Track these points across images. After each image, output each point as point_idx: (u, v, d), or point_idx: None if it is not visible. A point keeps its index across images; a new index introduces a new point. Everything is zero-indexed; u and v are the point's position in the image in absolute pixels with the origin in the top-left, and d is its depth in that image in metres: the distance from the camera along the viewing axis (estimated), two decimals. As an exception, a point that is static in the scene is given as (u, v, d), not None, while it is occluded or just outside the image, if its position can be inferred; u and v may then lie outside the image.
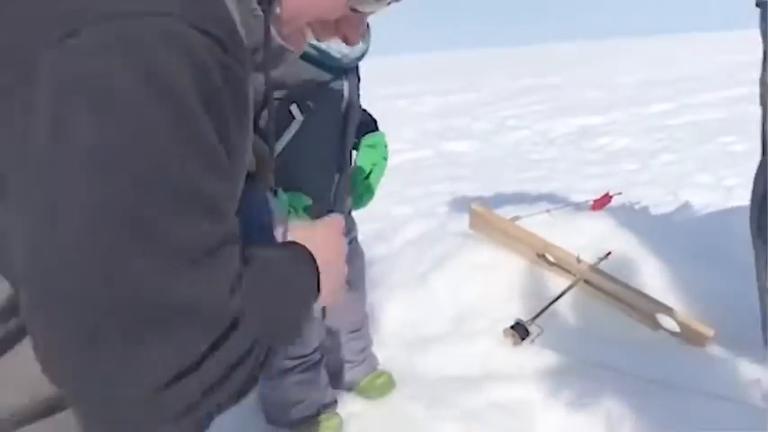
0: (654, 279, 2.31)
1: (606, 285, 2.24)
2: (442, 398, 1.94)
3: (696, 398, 1.83)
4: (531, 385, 1.99)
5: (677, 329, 2.13)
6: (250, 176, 0.85)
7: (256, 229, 0.87)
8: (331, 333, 1.95)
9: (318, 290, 0.83)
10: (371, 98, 2.62)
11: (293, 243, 0.85)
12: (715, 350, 2.05)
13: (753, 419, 1.73)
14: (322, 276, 0.83)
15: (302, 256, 0.83)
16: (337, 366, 1.96)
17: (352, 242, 1.97)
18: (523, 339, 2.16)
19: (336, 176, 1.68)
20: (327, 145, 1.64)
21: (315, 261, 0.83)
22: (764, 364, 1.94)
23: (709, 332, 2.05)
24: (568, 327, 2.22)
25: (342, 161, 1.69)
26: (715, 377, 1.89)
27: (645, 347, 2.12)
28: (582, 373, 2.02)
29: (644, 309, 2.18)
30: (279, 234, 0.89)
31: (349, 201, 1.92)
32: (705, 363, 1.99)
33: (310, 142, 1.56)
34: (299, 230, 0.89)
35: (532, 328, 2.17)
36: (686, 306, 2.18)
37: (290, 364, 1.76)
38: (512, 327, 2.17)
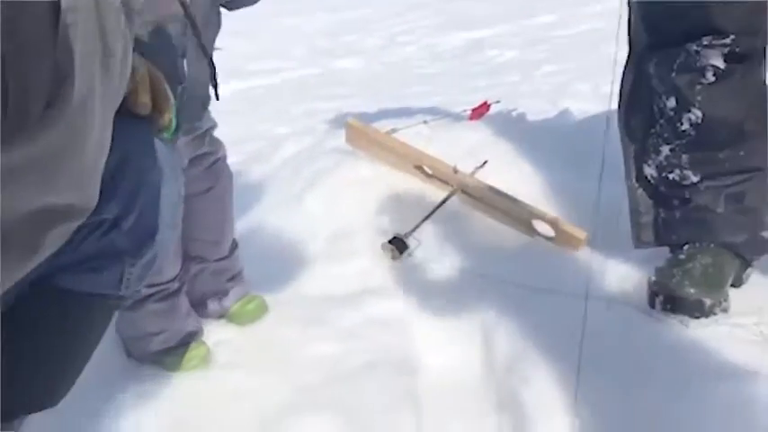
0: (530, 186, 2.29)
1: (483, 194, 2.21)
2: (318, 318, 1.87)
3: (573, 300, 1.83)
4: (410, 299, 1.95)
5: (552, 234, 2.13)
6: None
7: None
8: (194, 260, 1.82)
9: None
10: (261, 16, 2.43)
11: None
12: (588, 254, 2.06)
13: (625, 317, 1.76)
14: None
15: None
16: (203, 294, 1.85)
17: (217, 162, 1.83)
18: (402, 253, 2.11)
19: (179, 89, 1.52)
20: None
21: None
22: (636, 262, 1.96)
23: (582, 235, 2.06)
24: (446, 238, 2.18)
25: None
26: (592, 279, 1.90)
27: (521, 255, 2.11)
28: (459, 283, 2.00)
29: (520, 216, 2.16)
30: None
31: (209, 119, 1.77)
32: (579, 266, 2.00)
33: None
34: None
35: (410, 242, 2.13)
36: (561, 211, 2.17)
37: (144, 292, 1.63)
38: (389, 241, 2.12)
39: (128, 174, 0.99)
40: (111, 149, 0.87)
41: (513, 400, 1.62)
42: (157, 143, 1.05)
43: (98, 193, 0.88)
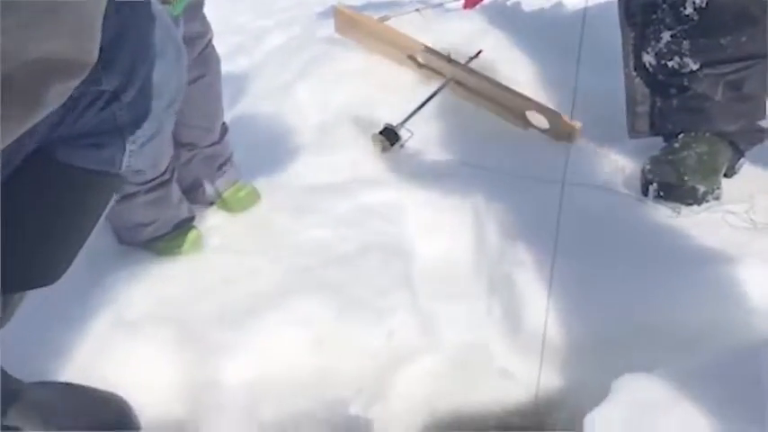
0: (524, 77, 2.25)
1: (477, 84, 2.16)
2: (310, 206, 1.85)
3: (566, 189, 1.83)
4: (402, 188, 1.93)
5: (546, 126, 2.10)
6: None
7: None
8: (186, 147, 1.78)
9: None
10: None
11: None
12: (583, 144, 2.04)
13: (619, 204, 1.76)
14: None
15: None
16: (194, 182, 1.81)
17: (207, 47, 1.77)
18: (393, 144, 2.08)
19: None
20: None
21: None
22: (629, 153, 1.95)
23: (577, 126, 2.03)
24: (439, 129, 2.15)
25: None
26: (583, 168, 1.89)
27: (515, 145, 2.09)
28: (452, 173, 1.98)
29: (514, 106, 2.13)
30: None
31: None
32: (574, 156, 1.98)
33: None
34: None
35: (402, 132, 2.09)
36: (556, 102, 2.14)
37: (135, 188, 1.60)
38: (381, 132, 2.08)
39: (127, 46, 0.95)
40: (108, 17, 0.82)
41: (505, 282, 1.63)
42: (161, 20, 1.00)
43: (97, 49, 0.83)
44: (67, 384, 1.32)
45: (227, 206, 1.84)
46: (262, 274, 1.62)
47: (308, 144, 2.12)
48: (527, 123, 2.14)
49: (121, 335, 1.47)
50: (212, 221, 1.79)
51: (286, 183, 1.96)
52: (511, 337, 1.58)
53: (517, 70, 2.26)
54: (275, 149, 2.08)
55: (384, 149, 2.08)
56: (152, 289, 1.58)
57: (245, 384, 1.41)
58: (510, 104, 2.13)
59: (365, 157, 2.05)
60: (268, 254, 1.68)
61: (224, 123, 1.85)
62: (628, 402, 1.14)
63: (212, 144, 1.81)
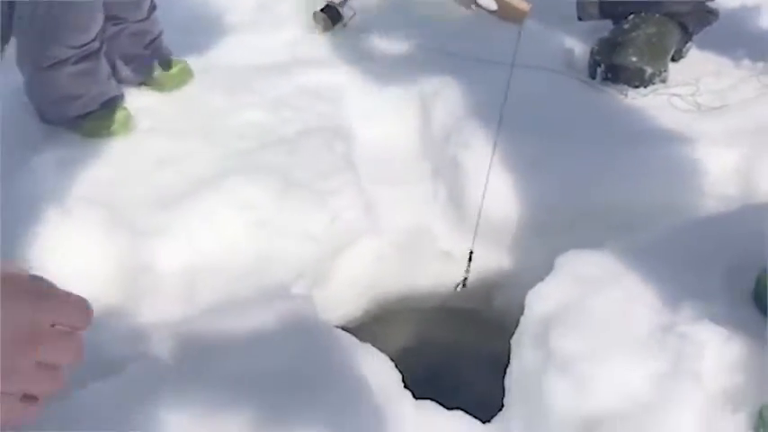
0: (473, -45, 2.14)
1: (423, -39, 2.05)
2: (247, 86, 1.76)
3: (514, 71, 1.78)
4: (344, 69, 1.85)
5: (494, 8, 2.02)
6: None
7: None
8: (111, 21, 1.64)
9: None
10: None
11: None
12: (531, 26, 1.97)
13: (565, 87, 1.73)
14: None
15: None
16: (123, 57, 1.69)
17: None
18: (335, 23, 1.98)
19: None
20: None
21: None
22: (578, 35, 1.91)
23: (526, 7, 1.96)
24: (383, 8, 2.05)
25: None
26: (531, 51, 1.83)
27: (462, 27, 2.01)
28: (396, 53, 1.90)
29: (462, -15, 2.03)
30: None
31: None
32: (524, 37, 1.92)
33: None
34: None
35: (345, 11, 1.99)
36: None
37: (64, 54, 1.48)
38: (322, 9, 1.97)
39: None
40: None
41: (451, 165, 1.60)
42: None
43: None
44: None
45: (158, 85, 1.73)
46: (197, 156, 1.55)
47: (246, 22, 1.99)
48: (474, 4, 2.05)
49: (51, 220, 1.39)
50: (143, 101, 1.69)
51: (222, 63, 1.85)
52: (455, 220, 1.56)
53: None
54: (210, 28, 1.95)
55: (326, 28, 1.98)
56: (81, 172, 1.49)
57: (182, 269, 1.36)
58: (457, -16, 2.04)
59: (306, 37, 1.95)
60: (203, 136, 1.60)
61: (152, 0, 1.72)
62: (569, 278, 1.15)
63: (140, 20, 1.68)
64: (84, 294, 1.29)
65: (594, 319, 1.08)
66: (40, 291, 0.47)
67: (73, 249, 1.37)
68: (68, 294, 0.49)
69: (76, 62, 1.52)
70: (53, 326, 0.47)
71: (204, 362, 1.15)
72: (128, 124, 1.60)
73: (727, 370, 0.98)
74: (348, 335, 1.20)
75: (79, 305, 0.49)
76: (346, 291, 1.49)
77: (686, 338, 1.01)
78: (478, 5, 2.05)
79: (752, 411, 0.93)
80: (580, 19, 1.90)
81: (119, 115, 1.59)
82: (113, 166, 1.52)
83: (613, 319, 1.07)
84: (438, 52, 1.86)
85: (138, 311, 1.32)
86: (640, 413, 0.95)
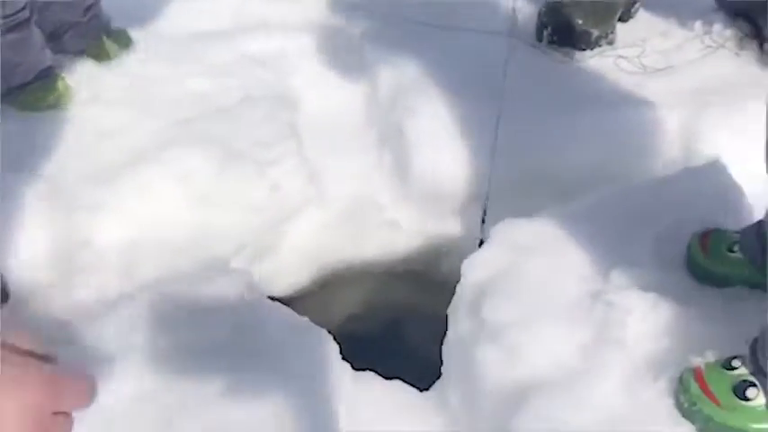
0: None
1: None
2: (188, 55, 1.72)
3: (459, 33, 1.76)
4: (288, 36, 1.81)
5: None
6: None
7: None
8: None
9: None
10: None
11: None
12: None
13: (512, 49, 1.71)
14: None
15: None
16: (59, 26, 1.64)
17: None
18: (281, -13, 1.93)
19: None
20: None
21: None
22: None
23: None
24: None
25: None
26: (477, 12, 1.82)
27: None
28: (342, 19, 1.86)
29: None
30: None
31: None
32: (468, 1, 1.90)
33: None
34: None
35: (291, -26, 1.94)
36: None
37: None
38: (267, -28, 1.93)
39: None
40: None
41: (396, 133, 1.59)
42: None
43: None
44: None
45: (97, 54, 1.69)
46: (137, 127, 1.52)
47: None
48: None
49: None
50: (81, 72, 1.64)
51: (161, 30, 1.81)
52: (400, 188, 1.56)
53: None
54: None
55: (271, -7, 1.94)
56: (18, 147, 1.45)
57: (121, 243, 1.35)
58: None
59: (250, 2, 1.90)
60: (143, 106, 1.57)
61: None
62: (504, 247, 1.15)
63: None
64: (19, 270, 1.26)
65: (526, 288, 1.09)
66: (50, 378, 0.47)
67: (11, 224, 1.35)
68: (76, 380, 0.49)
69: (6, 32, 1.47)
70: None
71: (144, 338, 1.14)
72: (66, 95, 1.56)
73: (652, 337, 1.00)
74: (288, 309, 1.20)
75: (85, 391, 0.49)
76: (291, 260, 1.49)
77: (612, 306, 1.02)
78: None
79: (673, 377, 0.95)
80: (528, -21, 1.88)
81: (56, 86, 1.55)
82: (50, 138, 1.49)
83: (544, 288, 1.09)
84: (383, 16, 1.83)
85: (78, 287, 1.31)
86: (567, 381, 0.97)
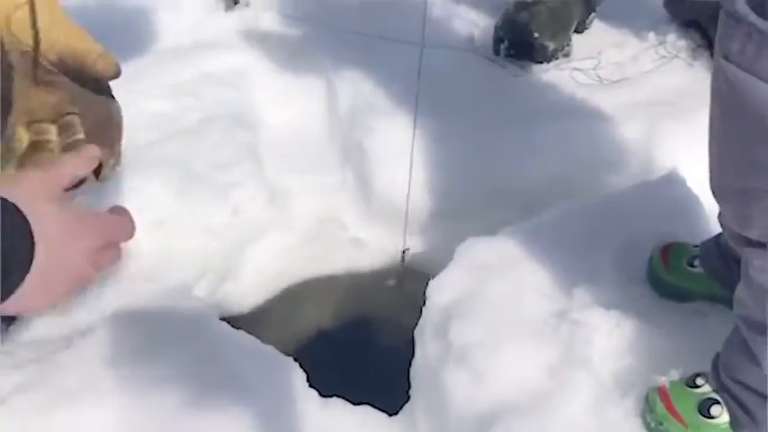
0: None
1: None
2: (144, 73, 1.68)
3: (416, 48, 1.76)
4: (248, 52, 1.79)
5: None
6: None
7: None
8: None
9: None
10: None
11: None
12: (436, 1, 1.95)
13: (469, 64, 1.72)
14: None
15: None
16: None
17: None
18: (236, 3, 1.91)
19: None
20: None
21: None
22: (482, 9, 1.89)
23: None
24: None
25: None
26: (436, 27, 1.81)
27: (366, 3, 1.97)
28: (300, 34, 1.84)
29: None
30: None
31: None
32: (428, 14, 1.89)
33: None
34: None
35: (246, -11, 1.92)
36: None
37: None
38: (223, -12, 1.91)
39: None
40: None
41: (357, 150, 1.58)
42: None
43: None
44: None
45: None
46: (91, 152, 1.48)
47: (142, 4, 1.90)
48: (380, -22, 2.01)
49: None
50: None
51: (115, 48, 1.76)
52: (363, 207, 1.55)
53: None
54: (101, 12, 1.86)
55: (227, 8, 1.91)
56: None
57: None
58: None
59: (205, 18, 1.87)
60: (98, 130, 1.53)
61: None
62: (468, 267, 1.15)
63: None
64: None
65: (492, 308, 1.09)
66: (101, 217, 0.66)
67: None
68: (121, 218, 0.68)
69: None
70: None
71: (104, 369, 1.12)
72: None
73: (616, 354, 1.01)
74: (252, 337, 1.18)
75: (129, 227, 0.68)
76: (255, 282, 1.47)
77: (577, 325, 1.03)
78: (384, -21, 2.01)
79: (639, 394, 0.95)
80: (485, -8, 1.88)
81: None
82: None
83: (510, 308, 1.09)
84: (342, 31, 1.82)
85: (37, 319, 1.27)
86: (535, 403, 0.97)
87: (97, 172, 0.80)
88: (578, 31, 1.84)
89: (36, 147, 0.82)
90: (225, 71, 1.74)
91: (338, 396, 1.16)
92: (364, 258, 1.50)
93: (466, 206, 1.46)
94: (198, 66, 1.74)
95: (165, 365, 1.13)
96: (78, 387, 1.07)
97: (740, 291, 0.87)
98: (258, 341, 1.17)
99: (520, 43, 1.71)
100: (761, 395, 0.84)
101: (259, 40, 1.83)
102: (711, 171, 0.85)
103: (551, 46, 1.71)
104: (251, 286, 1.47)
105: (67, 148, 0.83)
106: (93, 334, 1.18)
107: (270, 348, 1.15)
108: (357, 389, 1.24)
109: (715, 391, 0.89)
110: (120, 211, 0.68)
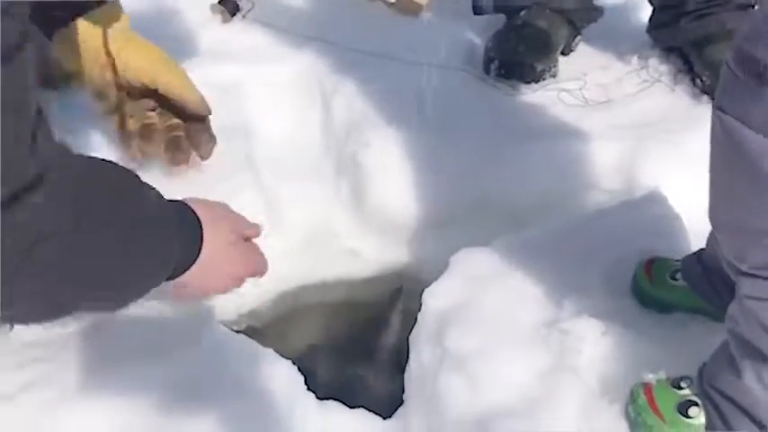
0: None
1: (322, -47, 2.05)
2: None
3: (411, 66, 1.82)
4: (243, 64, 1.83)
5: (392, 0, 2.05)
6: None
7: None
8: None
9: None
10: None
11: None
12: (429, 19, 2.02)
13: (462, 82, 1.78)
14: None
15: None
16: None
17: None
18: (233, 15, 1.96)
19: None
20: None
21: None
22: (473, 29, 1.96)
23: (423, 1, 2.00)
24: (283, 1, 2.04)
25: None
26: (428, 45, 1.88)
27: (362, 20, 2.02)
28: (297, 48, 1.89)
29: (360, -22, 2.05)
30: None
31: None
32: (421, 32, 1.96)
33: None
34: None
35: (243, 3, 1.97)
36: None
37: None
38: (219, 2, 1.95)
39: None
40: None
41: (352, 163, 1.63)
42: None
43: None
44: None
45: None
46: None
47: (137, 14, 1.94)
48: (374, -3, 2.07)
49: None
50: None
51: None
52: (357, 218, 1.60)
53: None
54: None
55: (224, 20, 1.96)
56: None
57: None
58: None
59: (202, 29, 1.91)
60: (96, 141, 1.56)
61: None
62: (462, 276, 1.20)
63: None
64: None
65: (485, 317, 1.14)
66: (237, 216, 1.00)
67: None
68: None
69: None
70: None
71: (109, 371, 1.14)
72: None
73: (604, 362, 1.06)
74: (249, 340, 1.22)
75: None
76: (250, 291, 1.50)
77: (567, 334, 1.09)
78: (378, -2, 2.07)
79: (625, 398, 1.01)
80: (475, 13, 1.95)
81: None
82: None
83: (502, 317, 1.14)
84: (337, 46, 1.87)
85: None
86: (528, 409, 1.02)
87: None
88: (565, 53, 1.91)
89: (146, 128, 1.20)
90: (221, 82, 1.78)
91: (335, 399, 1.20)
92: (358, 266, 1.55)
93: (457, 219, 1.51)
94: (195, 77, 1.77)
95: (160, 370, 1.16)
96: (82, 386, 1.10)
97: (732, 309, 0.93)
98: (258, 344, 1.20)
99: (509, 64, 1.77)
100: (737, 405, 0.90)
101: (256, 52, 1.87)
102: (710, 203, 0.91)
103: (539, 67, 1.78)
104: (247, 292, 1.50)
105: (170, 129, 1.22)
106: (85, 337, 1.21)
107: (270, 351, 1.19)
108: (350, 394, 1.28)
109: (696, 394, 0.95)
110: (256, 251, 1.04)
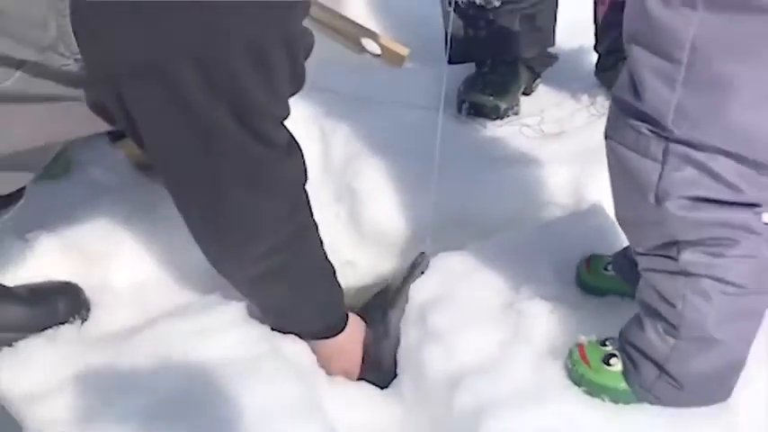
0: (358, 7, 2.51)
1: (316, 13, 2.38)
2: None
3: (398, 109, 2.14)
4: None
5: (378, 52, 2.38)
6: None
7: None
8: None
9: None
10: None
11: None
12: (411, 67, 2.34)
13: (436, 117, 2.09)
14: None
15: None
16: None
17: None
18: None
19: None
20: None
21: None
22: (449, 75, 2.28)
23: (404, 52, 2.32)
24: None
25: None
26: (409, 90, 2.20)
27: (352, 69, 2.35)
28: (298, 94, 2.21)
29: (350, 33, 2.38)
30: None
31: None
32: (404, 79, 2.28)
33: None
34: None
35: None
36: (385, 31, 2.42)
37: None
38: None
39: None
40: None
41: (349, 191, 1.94)
42: None
43: None
44: None
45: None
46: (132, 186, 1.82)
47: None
48: (361, 49, 2.40)
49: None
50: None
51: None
52: (354, 235, 1.91)
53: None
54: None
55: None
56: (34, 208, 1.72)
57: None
58: (345, 31, 2.37)
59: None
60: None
61: None
62: (441, 273, 1.51)
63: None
64: None
65: (459, 303, 1.45)
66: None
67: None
68: None
69: None
70: None
71: (101, 393, 1.34)
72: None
73: (551, 333, 1.36)
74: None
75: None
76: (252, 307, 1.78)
77: (523, 313, 1.39)
78: (365, 49, 2.40)
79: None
80: (450, 62, 2.28)
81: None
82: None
83: (473, 303, 1.45)
84: (333, 93, 2.20)
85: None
86: (491, 367, 1.32)
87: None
88: (526, 93, 2.25)
89: None
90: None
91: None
92: (356, 276, 1.85)
93: (438, 230, 1.82)
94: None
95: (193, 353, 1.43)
96: (73, 408, 1.30)
97: (640, 283, 1.24)
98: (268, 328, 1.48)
99: (478, 105, 2.10)
100: (641, 352, 1.20)
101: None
102: (614, 207, 1.22)
103: (503, 106, 2.11)
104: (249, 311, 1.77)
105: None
106: (140, 335, 1.49)
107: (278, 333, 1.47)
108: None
109: (617, 350, 1.26)
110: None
